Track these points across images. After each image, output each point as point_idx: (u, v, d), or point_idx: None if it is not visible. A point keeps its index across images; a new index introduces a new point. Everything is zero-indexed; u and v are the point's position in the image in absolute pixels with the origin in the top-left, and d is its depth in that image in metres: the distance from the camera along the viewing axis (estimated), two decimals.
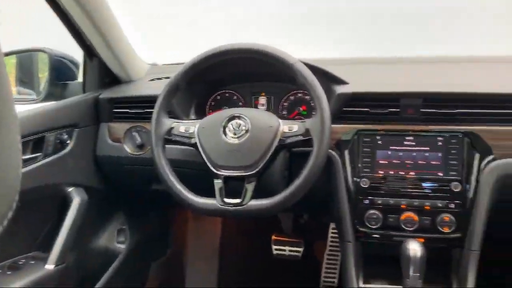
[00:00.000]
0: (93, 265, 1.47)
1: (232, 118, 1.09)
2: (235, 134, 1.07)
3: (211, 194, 1.06)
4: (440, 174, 1.10)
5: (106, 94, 1.41)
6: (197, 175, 1.11)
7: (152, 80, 1.49)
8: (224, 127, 1.09)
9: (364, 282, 1.15)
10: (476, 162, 1.09)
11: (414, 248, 1.01)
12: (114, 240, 1.57)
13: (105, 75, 1.47)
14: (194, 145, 1.11)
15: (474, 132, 1.09)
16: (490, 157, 1.09)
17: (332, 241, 1.75)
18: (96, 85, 1.47)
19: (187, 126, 1.13)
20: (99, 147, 1.39)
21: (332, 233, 1.74)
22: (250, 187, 1.04)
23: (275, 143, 1.05)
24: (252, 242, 1.95)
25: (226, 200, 1.04)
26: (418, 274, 0.99)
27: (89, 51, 1.40)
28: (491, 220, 1.10)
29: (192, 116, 1.36)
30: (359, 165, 1.14)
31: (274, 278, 1.86)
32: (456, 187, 1.08)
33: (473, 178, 1.08)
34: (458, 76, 1.28)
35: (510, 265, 1.62)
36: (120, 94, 1.41)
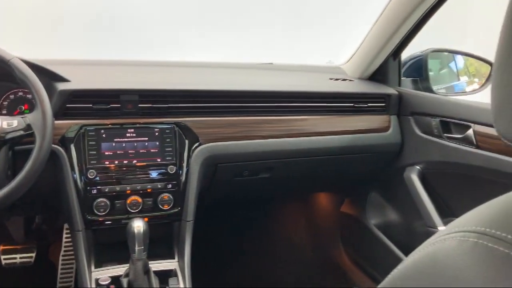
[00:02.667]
0: None
1: None
2: None
3: None
4: (159, 160, 1.27)
5: None
6: None
7: None
8: None
9: (96, 267, 1.23)
10: (186, 148, 1.30)
11: (138, 225, 1.12)
12: None
13: None
14: None
15: (183, 123, 1.30)
16: (197, 143, 1.32)
17: (67, 241, 1.75)
18: None
19: None
20: None
21: (67, 233, 1.75)
22: None
23: None
24: None
25: None
26: (142, 247, 1.12)
27: None
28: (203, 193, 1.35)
29: None
30: (86, 158, 1.20)
31: None
32: (172, 170, 1.27)
33: (184, 161, 1.29)
34: (170, 76, 1.50)
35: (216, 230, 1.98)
36: None
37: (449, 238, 0.41)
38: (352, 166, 1.63)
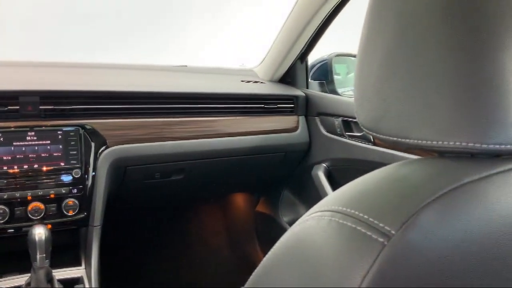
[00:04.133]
0: None
1: None
2: None
3: None
4: (62, 164, 1.22)
5: None
6: None
7: None
8: None
9: None
10: (93, 151, 1.26)
11: (39, 232, 1.08)
12: None
13: None
14: None
15: (89, 125, 1.27)
16: (104, 146, 1.29)
17: None
18: None
19: None
20: None
21: None
22: None
23: None
24: None
25: None
26: (44, 255, 1.07)
27: None
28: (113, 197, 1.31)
29: None
30: None
31: None
32: (77, 174, 1.23)
33: (91, 165, 1.26)
34: (76, 77, 1.45)
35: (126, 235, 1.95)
36: None
37: (310, 218, 0.45)
38: (264, 165, 1.67)
